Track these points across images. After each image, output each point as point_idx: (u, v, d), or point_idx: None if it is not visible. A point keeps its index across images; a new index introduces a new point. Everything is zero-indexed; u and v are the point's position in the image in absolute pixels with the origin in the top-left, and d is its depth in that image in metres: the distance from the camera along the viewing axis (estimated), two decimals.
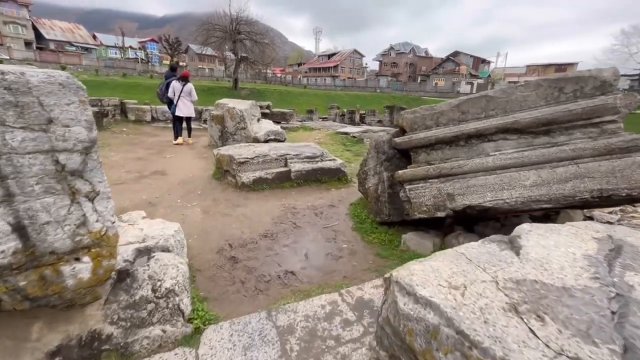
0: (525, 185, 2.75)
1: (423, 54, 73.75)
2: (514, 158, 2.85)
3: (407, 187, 3.22)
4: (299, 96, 43.66)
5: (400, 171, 3.31)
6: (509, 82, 52.61)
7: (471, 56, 65.91)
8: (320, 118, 25.70)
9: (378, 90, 53.62)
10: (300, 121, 15.27)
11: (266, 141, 7.41)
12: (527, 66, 62.11)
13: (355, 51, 77.48)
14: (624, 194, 2.48)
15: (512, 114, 3.00)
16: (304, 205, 4.77)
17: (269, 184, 5.27)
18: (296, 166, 5.46)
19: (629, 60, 42.35)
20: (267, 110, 11.56)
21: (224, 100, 8.30)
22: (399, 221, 3.83)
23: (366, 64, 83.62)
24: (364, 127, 11.30)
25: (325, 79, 67.06)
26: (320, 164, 5.66)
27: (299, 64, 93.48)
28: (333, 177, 5.73)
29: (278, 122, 11.97)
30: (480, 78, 58.51)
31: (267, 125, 8.47)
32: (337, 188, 5.56)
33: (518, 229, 1.73)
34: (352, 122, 26.02)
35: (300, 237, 3.77)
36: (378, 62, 76.68)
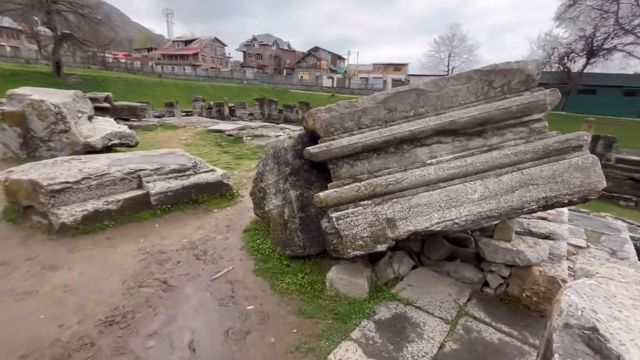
0: (473, 200, 2.25)
1: (286, 47, 75.26)
2: (457, 167, 2.31)
3: (334, 215, 2.31)
4: (154, 87, 37.50)
5: (320, 194, 2.36)
6: (361, 77, 59.46)
7: (329, 52, 71.25)
8: (184, 112, 22.45)
9: (245, 82, 51.60)
10: (157, 117, 12.52)
11: (107, 149, 5.25)
12: (374, 64, 71.69)
13: (217, 39, 72.28)
14: (565, 200, 2.25)
15: (444, 111, 2.47)
16: (176, 243, 3.29)
17: (114, 217, 3.48)
18: (158, 186, 3.82)
19: (439, 64, 54.05)
20: (105, 104, 8.66)
21: (22, 90, 5.45)
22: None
23: (229, 54, 79.37)
24: (241, 124, 9.94)
25: (184, 68, 60.00)
26: (193, 179, 4.17)
27: (149, 49, 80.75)
28: (214, 193, 4.35)
29: (125, 120, 9.23)
30: (339, 73, 64.09)
31: (106, 125, 6.12)
32: (222, 208, 4.23)
33: None
34: (222, 117, 23.80)
35: (177, 309, 2.38)
36: (242, 53, 73.92)
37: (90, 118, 6.01)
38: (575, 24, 33.73)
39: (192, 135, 8.56)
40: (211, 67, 62.32)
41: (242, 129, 9.00)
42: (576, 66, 32.95)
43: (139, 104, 9.62)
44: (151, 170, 3.88)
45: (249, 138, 8.07)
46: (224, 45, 75.11)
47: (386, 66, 67.43)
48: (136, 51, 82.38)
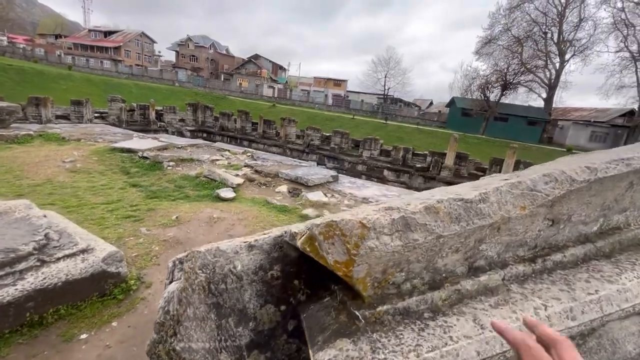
0: None
1: (224, 52, 71.42)
2: None
3: None
4: (59, 80, 31.37)
5: None
6: (302, 89, 59.03)
7: (270, 61, 69.51)
8: (97, 113, 18.47)
9: (177, 84, 46.81)
10: (44, 122, 9.38)
11: None
12: (314, 78, 72.04)
13: (144, 35, 65.16)
14: None
15: None
16: None
17: None
18: None
19: (376, 83, 56.51)
20: None
21: None
22: None
23: (159, 52, 72.25)
24: (163, 140, 7.58)
25: (102, 62, 52.31)
26: (34, 279, 2.06)
27: (58, 36, 69.27)
28: (87, 295, 2.30)
29: None
30: (280, 83, 62.66)
31: None
32: (100, 326, 2.21)
33: None
34: (147, 122, 20.30)
35: None
36: (174, 53, 67.83)
37: None
38: (489, 59, 38.17)
39: (86, 155, 6.04)
40: (137, 65, 55.60)
41: (164, 148, 6.74)
42: (491, 96, 36.94)
43: (5, 104, 6.64)
44: None
45: (171, 163, 5.91)
46: (153, 42, 68.28)
47: (327, 80, 68.16)
48: (41, 36, 70.15)
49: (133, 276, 2.69)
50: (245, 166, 6.01)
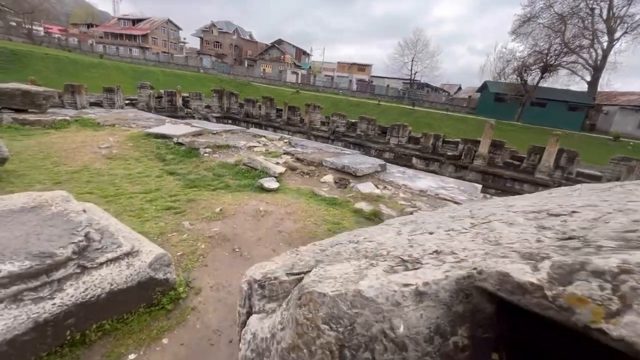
0: None
1: (248, 38, 70.88)
2: None
3: None
4: (91, 68, 32.16)
5: None
6: (325, 75, 57.87)
7: (294, 46, 68.36)
8: (127, 100, 18.68)
9: (202, 71, 47.00)
10: (78, 108, 9.35)
11: None
12: (338, 63, 70.36)
13: (170, 22, 65.63)
14: None
15: None
16: None
17: None
18: None
19: (403, 67, 54.10)
20: None
21: None
22: None
23: (184, 38, 72.74)
24: (196, 125, 7.28)
25: (131, 50, 53.29)
26: (74, 290, 1.69)
27: (90, 25, 71.14)
28: (134, 306, 1.96)
29: (17, 111, 6.19)
30: (303, 69, 61.63)
31: None
32: (149, 343, 1.87)
33: None
34: (174, 108, 20.37)
35: None
36: (199, 39, 68.05)
37: None
38: (528, 39, 35.39)
39: (121, 141, 5.81)
40: (163, 52, 56.36)
41: (198, 134, 6.43)
42: (529, 80, 34.41)
43: (41, 89, 6.54)
44: None
45: (208, 150, 5.58)
46: (179, 28, 68.87)
47: (350, 65, 66.52)
48: (74, 26, 72.38)
49: (181, 281, 2.33)
50: (284, 153, 5.58)
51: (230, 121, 23.38)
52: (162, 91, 20.64)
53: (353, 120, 20.83)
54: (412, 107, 34.20)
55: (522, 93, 33.81)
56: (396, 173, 5.15)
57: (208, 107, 23.53)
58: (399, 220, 2.04)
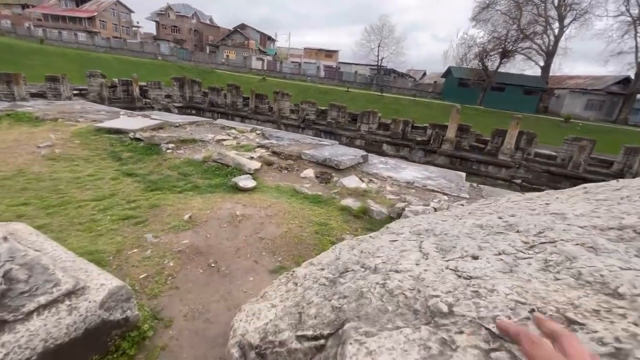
0: None
1: (208, 22, 67.12)
2: None
3: None
4: (31, 55, 28.85)
5: None
6: (292, 61, 56.56)
7: (258, 31, 65.77)
8: (76, 90, 16.89)
9: (160, 58, 43.91)
10: (17, 100, 8.18)
11: None
12: (305, 49, 68.90)
13: (120, 3, 60.32)
14: None
15: None
16: None
17: None
18: None
19: (370, 53, 54.04)
20: None
21: None
22: None
23: (137, 22, 67.38)
24: (156, 117, 6.51)
25: (76, 34, 48.45)
26: None
27: (25, 6, 63.65)
28: (84, 357, 1.51)
29: None
30: (269, 55, 59.64)
31: None
32: None
33: None
34: (131, 99, 18.76)
35: None
36: (154, 24, 63.31)
37: None
38: (487, 26, 36.67)
39: (66, 138, 5.01)
40: (114, 37, 51.92)
41: (159, 127, 5.74)
42: (489, 65, 35.79)
43: None
44: None
45: (170, 145, 4.96)
46: (130, 11, 63.67)
47: (318, 52, 65.52)
48: (5, 7, 64.44)
49: (146, 315, 1.89)
50: (258, 147, 5.11)
51: (194, 111, 22.06)
52: (116, 80, 18.89)
53: (323, 108, 20.45)
54: (380, 94, 34.33)
55: (483, 78, 35.12)
56: (378, 164, 4.88)
57: (169, 96, 21.99)
58: (408, 228, 1.73)
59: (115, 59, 34.14)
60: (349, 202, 3.58)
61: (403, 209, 3.25)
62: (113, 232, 2.81)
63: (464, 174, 4.79)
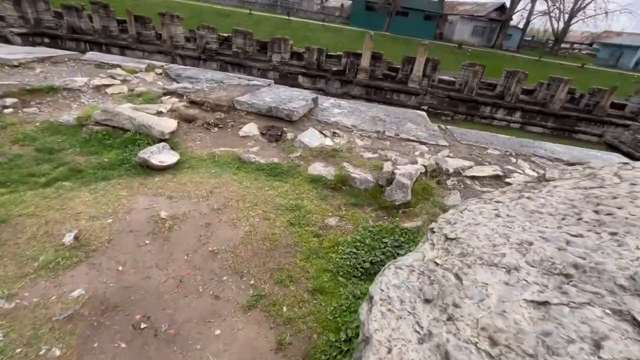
0: None
1: None
2: None
3: None
4: None
5: None
6: None
7: None
8: None
9: None
10: None
11: None
12: None
13: None
14: None
15: None
16: None
17: None
18: None
19: None
20: None
21: None
22: None
23: None
24: None
25: None
26: None
27: None
28: None
29: None
30: None
31: None
32: None
33: None
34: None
35: None
36: None
37: None
38: None
39: None
40: None
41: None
42: None
43: None
44: None
45: (12, 101, 2.96)
46: None
47: None
48: None
49: None
50: (165, 94, 3.52)
51: (47, 40, 16.33)
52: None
53: (225, 35, 17.38)
54: (287, 18, 31.07)
55: (389, 1, 34.58)
56: (332, 108, 3.93)
57: (1, 18, 15.54)
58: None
59: None
60: (318, 168, 2.66)
61: (393, 173, 2.51)
62: None
63: (424, 114, 4.24)
